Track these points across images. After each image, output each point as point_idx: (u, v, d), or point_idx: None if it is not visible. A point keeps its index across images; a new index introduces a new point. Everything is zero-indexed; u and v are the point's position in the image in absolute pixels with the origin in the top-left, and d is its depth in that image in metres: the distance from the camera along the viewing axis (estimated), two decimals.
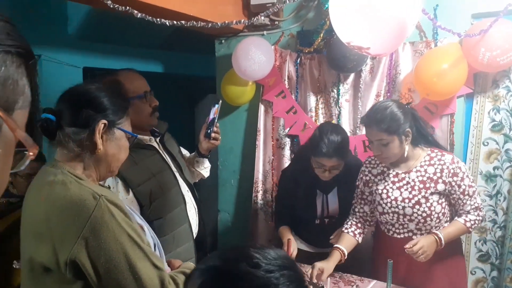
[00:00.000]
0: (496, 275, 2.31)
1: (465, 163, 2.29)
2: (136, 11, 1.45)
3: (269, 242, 2.78)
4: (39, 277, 1.06)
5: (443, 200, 1.80)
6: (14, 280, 1.90)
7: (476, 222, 1.79)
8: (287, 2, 1.74)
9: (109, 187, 1.44)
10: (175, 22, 1.55)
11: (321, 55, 2.52)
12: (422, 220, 1.79)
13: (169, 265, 1.36)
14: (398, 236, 1.86)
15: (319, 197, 2.10)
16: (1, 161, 0.47)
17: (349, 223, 1.97)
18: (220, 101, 1.84)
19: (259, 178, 2.80)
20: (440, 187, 1.77)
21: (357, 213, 1.98)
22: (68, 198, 1.02)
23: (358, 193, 1.99)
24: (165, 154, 1.75)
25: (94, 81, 1.29)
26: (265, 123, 2.77)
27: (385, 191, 1.85)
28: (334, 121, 2.51)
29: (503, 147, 2.23)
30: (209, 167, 2.04)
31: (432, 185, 1.78)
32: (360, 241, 1.95)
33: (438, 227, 1.81)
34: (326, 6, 2.34)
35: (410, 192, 1.80)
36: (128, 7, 1.45)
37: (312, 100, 2.60)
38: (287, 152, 2.70)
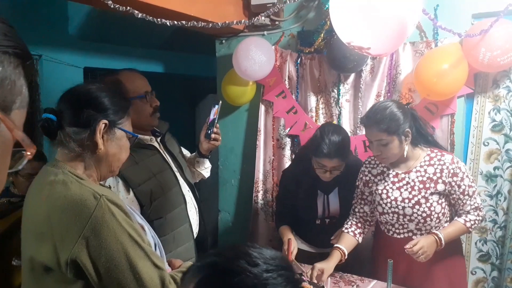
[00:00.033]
0: (496, 275, 2.31)
1: (465, 163, 2.29)
2: (136, 11, 1.45)
3: (270, 242, 2.78)
4: (39, 276, 1.06)
5: (443, 200, 1.80)
6: (15, 280, 1.90)
7: (476, 222, 1.79)
8: (288, 2, 1.74)
9: (109, 187, 1.44)
10: (175, 22, 1.55)
11: (322, 55, 2.52)
12: (422, 220, 1.79)
13: (169, 265, 1.36)
14: (398, 236, 1.86)
15: (320, 197, 2.10)
16: None
17: (349, 223, 1.97)
18: (220, 102, 1.84)
19: (259, 178, 2.80)
20: (440, 187, 1.77)
21: (357, 213, 1.98)
22: (69, 198, 1.02)
23: (358, 193, 1.99)
24: (166, 154, 1.75)
25: (95, 81, 1.29)
26: (265, 123, 2.77)
27: (385, 191, 1.85)
28: (335, 121, 2.51)
29: (503, 147, 2.23)
30: (210, 168, 2.05)
31: (432, 185, 1.78)
32: (360, 241, 1.95)
33: (438, 227, 1.81)
34: (327, 6, 2.34)
35: (410, 192, 1.80)
36: (128, 7, 1.45)
37: (312, 100, 2.61)
38: (287, 152, 2.70)
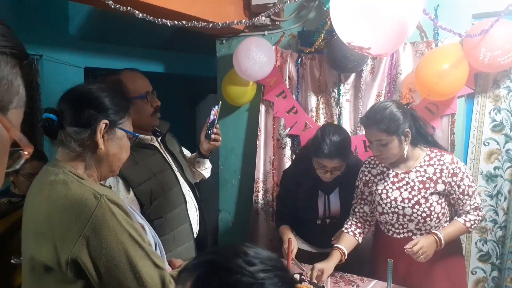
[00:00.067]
0: (496, 275, 2.31)
1: (465, 163, 2.29)
2: (137, 11, 1.45)
3: (270, 242, 2.78)
4: (40, 276, 1.06)
5: (443, 200, 1.80)
6: (15, 280, 1.90)
7: (476, 222, 1.79)
8: (288, 2, 1.74)
9: (110, 187, 1.44)
10: (176, 22, 1.55)
11: (322, 55, 2.52)
12: (422, 220, 1.79)
13: (169, 265, 1.36)
14: (398, 236, 1.86)
15: (320, 197, 2.10)
16: None
17: (349, 223, 1.97)
18: (220, 102, 1.84)
19: (259, 178, 2.80)
20: (440, 187, 1.77)
21: (357, 213, 1.98)
22: (70, 198, 1.02)
23: (358, 193, 1.99)
24: (166, 154, 1.76)
25: (96, 81, 1.30)
26: (266, 123, 2.77)
27: (384, 191, 1.85)
28: (335, 121, 2.51)
29: (503, 147, 2.23)
30: (210, 168, 2.05)
31: (432, 185, 1.78)
32: (360, 241, 1.96)
33: (437, 227, 1.81)
34: (327, 6, 2.34)
35: (409, 192, 1.80)
36: (129, 7, 1.45)
37: (313, 100, 2.61)
38: (287, 152, 2.70)
